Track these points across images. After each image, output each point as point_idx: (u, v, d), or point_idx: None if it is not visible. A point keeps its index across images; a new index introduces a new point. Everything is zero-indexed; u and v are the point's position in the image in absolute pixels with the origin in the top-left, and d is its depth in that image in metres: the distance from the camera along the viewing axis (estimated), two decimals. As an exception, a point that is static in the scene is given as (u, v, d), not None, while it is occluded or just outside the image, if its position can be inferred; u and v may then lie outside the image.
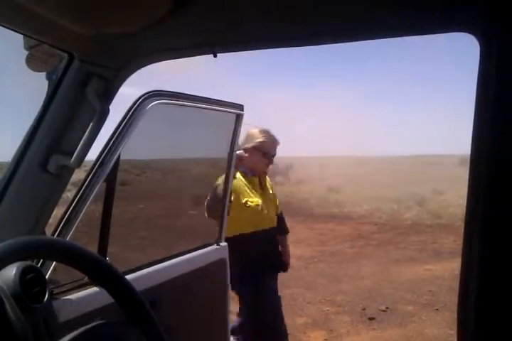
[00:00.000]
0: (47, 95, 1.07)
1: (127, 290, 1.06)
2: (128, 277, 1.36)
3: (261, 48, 1.04)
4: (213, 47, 0.92)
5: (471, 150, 0.68)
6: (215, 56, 0.93)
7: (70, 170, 1.17)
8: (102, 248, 1.57)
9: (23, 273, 0.92)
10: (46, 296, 0.98)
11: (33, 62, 1.08)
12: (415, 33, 0.99)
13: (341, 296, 4.91)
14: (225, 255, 2.18)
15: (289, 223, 3.06)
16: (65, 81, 1.04)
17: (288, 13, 0.84)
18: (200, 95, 1.79)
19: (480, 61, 0.70)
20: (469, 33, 0.73)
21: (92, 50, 1.00)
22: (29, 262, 0.98)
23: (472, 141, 0.68)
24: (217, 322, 2.16)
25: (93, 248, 1.56)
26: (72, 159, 1.09)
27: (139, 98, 1.42)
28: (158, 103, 1.48)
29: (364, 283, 5.36)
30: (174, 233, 2.27)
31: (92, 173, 1.36)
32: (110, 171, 1.43)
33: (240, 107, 2.09)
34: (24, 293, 0.90)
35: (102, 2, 0.78)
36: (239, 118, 2.11)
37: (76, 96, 0.99)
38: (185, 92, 1.68)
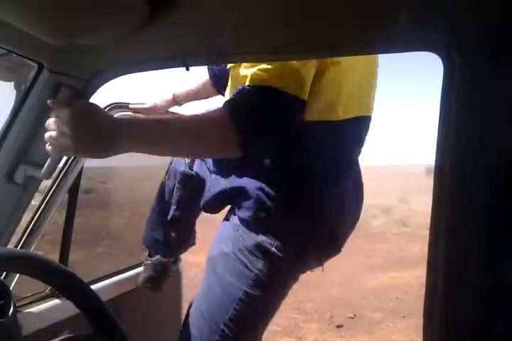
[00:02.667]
0: (15, 104, 1.06)
1: (94, 302, 1.04)
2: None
3: (234, 62, 1.05)
4: (186, 60, 0.92)
5: (436, 161, 0.70)
6: (187, 69, 0.93)
7: (36, 181, 1.15)
8: (64, 258, 1.58)
9: (-14, 287, 0.90)
10: (11, 310, 0.96)
11: (1, 71, 1.06)
12: (377, 51, 1.02)
13: (310, 304, 4.94)
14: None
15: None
16: (34, 91, 1.03)
17: (261, 26, 0.85)
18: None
19: (443, 77, 0.72)
20: (432, 51, 0.75)
21: (62, 61, 0.99)
22: (-8, 275, 0.96)
23: (436, 151, 0.71)
24: (171, 332, 2.15)
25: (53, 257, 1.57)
26: (43, 170, 1.08)
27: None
28: (121, 115, 1.51)
29: (332, 291, 5.41)
30: (129, 244, 2.23)
31: (56, 184, 1.35)
32: (73, 182, 1.44)
33: None
34: (-12, 307, 0.88)
35: (72, 13, 0.78)
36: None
37: (45, 106, 0.98)
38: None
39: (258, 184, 1.17)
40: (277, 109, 1.01)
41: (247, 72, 1.04)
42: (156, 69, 1.01)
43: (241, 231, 1.20)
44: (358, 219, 1.33)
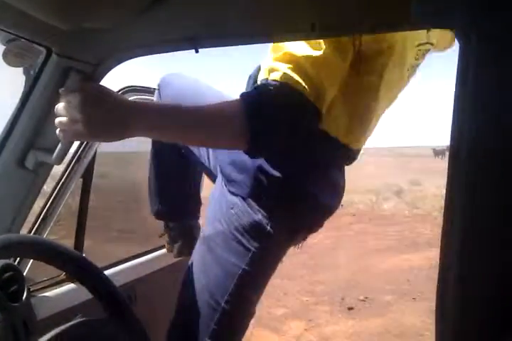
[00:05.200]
0: (24, 90, 1.05)
1: (107, 287, 1.06)
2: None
3: (244, 43, 1.03)
4: (194, 42, 0.91)
5: (451, 143, 0.69)
6: (196, 51, 0.92)
7: (48, 167, 1.15)
8: (79, 244, 1.59)
9: (0, 272, 0.91)
10: (25, 294, 0.97)
11: (10, 57, 1.05)
12: (393, 29, 1.00)
13: (320, 287, 4.97)
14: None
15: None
16: (43, 76, 1.02)
17: (271, 7, 0.83)
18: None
19: (459, 55, 0.70)
20: (447, 28, 0.74)
21: (70, 45, 0.98)
22: (6, 260, 0.97)
23: (451, 134, 0.69)
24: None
25: (68, 242, 1.59)
26: (54, 156, 1.07)
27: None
28: (135, 98, 1.51)
29: (342, 274, 5.44)
30: (147, 229, 2.24)
31: (69, 169, 1.36)
32: (87, 167, 1.44)
33: None
34: (2, 292, 0.89)
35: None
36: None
37: (54, 92, 0.97)
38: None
39: (258, 161, 1.18)
40: (294, 112, 1.00)
41: (279, 66, 1.02)
42: (165, 51, 1.00)
43: (236, 209, 1.21)
44: (341, 200, 1.40)
